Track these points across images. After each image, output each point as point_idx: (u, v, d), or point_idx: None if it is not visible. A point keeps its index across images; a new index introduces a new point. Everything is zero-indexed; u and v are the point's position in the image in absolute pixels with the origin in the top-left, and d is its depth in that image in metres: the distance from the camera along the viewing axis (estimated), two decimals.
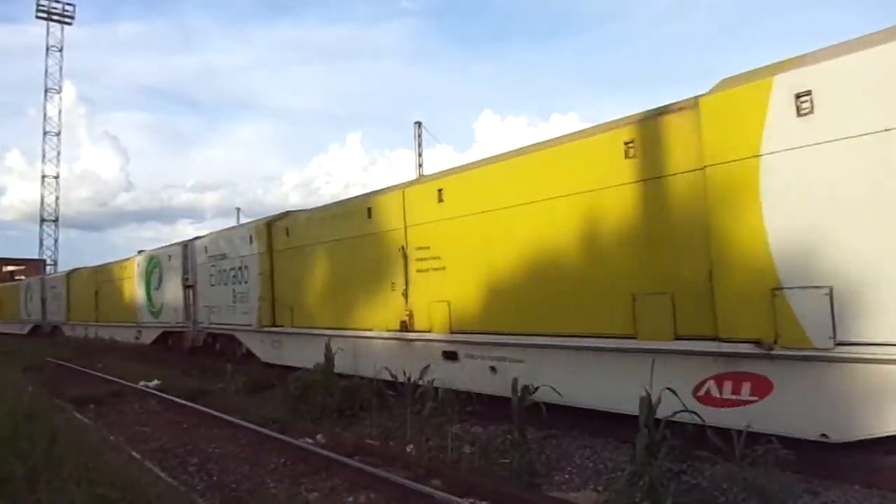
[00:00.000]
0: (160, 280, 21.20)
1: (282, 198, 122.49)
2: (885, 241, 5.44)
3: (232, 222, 55.91)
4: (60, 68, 60.67)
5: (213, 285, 17.55)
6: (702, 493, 5.72)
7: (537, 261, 8.47)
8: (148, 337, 22.59)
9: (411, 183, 11.30)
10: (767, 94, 6.05)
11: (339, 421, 9.85)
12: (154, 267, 21.77)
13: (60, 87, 61.01)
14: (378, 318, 11.41)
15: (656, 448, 5.78)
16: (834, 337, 5.66)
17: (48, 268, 57.14)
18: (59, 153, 60.76)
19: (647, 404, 6.13)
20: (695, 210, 6.73)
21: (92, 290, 27.86)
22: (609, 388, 7.52)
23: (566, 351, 8.02)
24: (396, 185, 11.46)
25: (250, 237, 15.64)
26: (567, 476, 6.97)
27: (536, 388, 7.95)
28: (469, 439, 8.10)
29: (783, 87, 5.97)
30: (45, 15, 59.71)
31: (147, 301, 22.27)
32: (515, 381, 8.03)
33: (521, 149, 9.18)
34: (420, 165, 50.04)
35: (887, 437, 6.59)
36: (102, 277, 27.11)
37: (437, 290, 10.07)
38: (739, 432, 5.88)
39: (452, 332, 9.77)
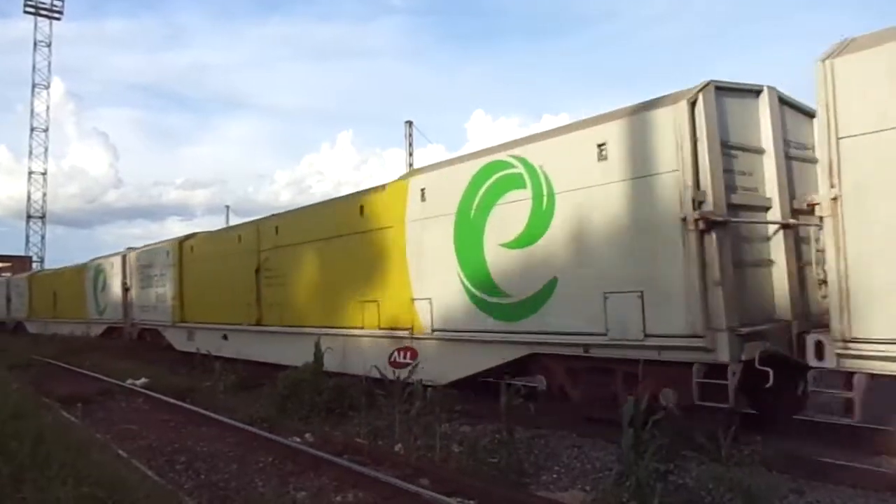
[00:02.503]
0: (546, 215, 8.67)
1: (272, 196, 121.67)
2: None
3: (222, 220, 55.65)
4: (49, 64, 60.03)
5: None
6: (688, 493, 5.75)
7: None
8: (480, 358, 9.65)
9: None
10: None
11: (328, 420, 9.84)
12: (501, 191, 9.29)
13: (48, 83, 60.42)
14: None
15: (643, 448, 5.81)
16: None
17: (34, 265, 56.64)
18: (46, 149, 60.14)
19: (634, 404, 6.16)
20: None
21: (246, 265, 15.26)
22: None
23: None
24: None
25: None
26: (555, 475, 7.00)
27: None
28: (457, 438, 8.12)
29: None
30: (32, 10, 59.08)
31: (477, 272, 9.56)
32: (505, 383, 8.02)
33: None
34: (411, 165, 50.07)
35: (875, 438, 6.69)
36: (277, 240, 14.45)
37: None
38: (726, 432, 5.92)
39: None
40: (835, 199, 6.03)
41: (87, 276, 26.84)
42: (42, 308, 31.86)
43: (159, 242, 21.60)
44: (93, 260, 27.31)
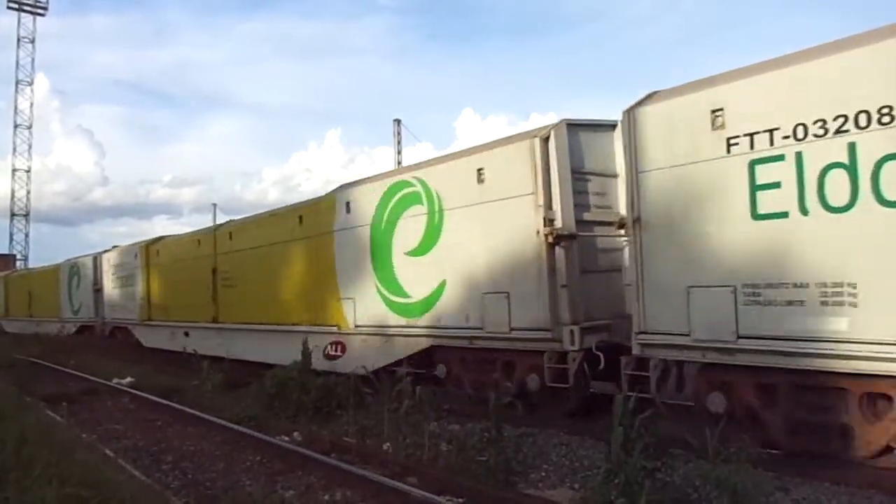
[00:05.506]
0: None
1: (261, 194, 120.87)
2: None
3: (209, 219, 54.95)
4: (32, 60, 59.19)
5: None
6: (676, 491, 5.79)
7: None
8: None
9: None
10: None
11: (316, 418, 9.80)
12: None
13: (32, 80, 59.67)
14: None
15: (631, 446, 5.83)
16: None
17: (18, 263, 56.03)
18: (30, 146, 59.43)
19: (624, 402, 6.18)
20: None
21: None
22: None
23: None
24: None
25: None
26: (543, 474, 7.02)
27: None
28: (446, 437, 8.11)
29: None
30: (16, 5, 58.31)
31: None
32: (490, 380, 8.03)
33: None
34: (399, 163, 50.02)
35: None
36: None
37: None
38: (713, 431, 5.96)
39: None
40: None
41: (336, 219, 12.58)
42: (176, 301, 18.79)
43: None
44: (346, 188, 12.79)
